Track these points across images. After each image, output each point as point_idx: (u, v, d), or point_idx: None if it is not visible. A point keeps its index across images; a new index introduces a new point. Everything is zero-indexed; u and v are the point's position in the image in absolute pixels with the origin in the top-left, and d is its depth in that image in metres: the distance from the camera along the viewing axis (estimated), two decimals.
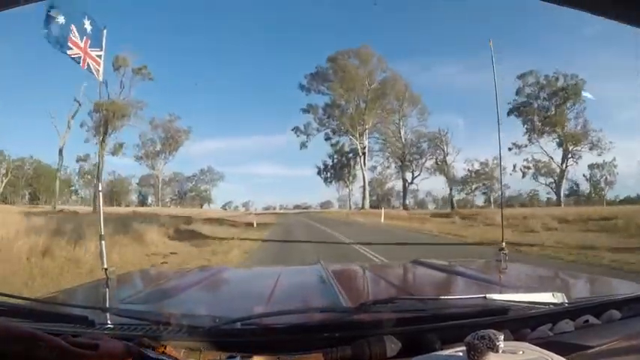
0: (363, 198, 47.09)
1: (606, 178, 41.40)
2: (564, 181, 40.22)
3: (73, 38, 3.03)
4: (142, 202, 59.45)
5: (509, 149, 40.64)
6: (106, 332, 0.74)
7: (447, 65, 68.68)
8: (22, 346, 0.53)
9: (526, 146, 39.79)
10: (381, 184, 58.38)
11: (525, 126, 39.82)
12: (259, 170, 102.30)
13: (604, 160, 38.96)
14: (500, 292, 0.91)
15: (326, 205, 73.22)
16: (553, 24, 38.93)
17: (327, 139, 52.12)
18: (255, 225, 19.86)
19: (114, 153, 35.71)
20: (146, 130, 48.31)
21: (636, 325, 0.74)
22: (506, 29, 45.73)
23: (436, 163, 47.94)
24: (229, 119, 78.88)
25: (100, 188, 3.41)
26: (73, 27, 3.03)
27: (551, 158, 39.81)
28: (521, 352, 0.55)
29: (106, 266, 1.49)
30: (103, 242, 3.03)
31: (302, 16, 63.61)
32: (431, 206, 55.05)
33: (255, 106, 75.08)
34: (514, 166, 42.62)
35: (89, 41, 3.15)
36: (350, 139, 49.62)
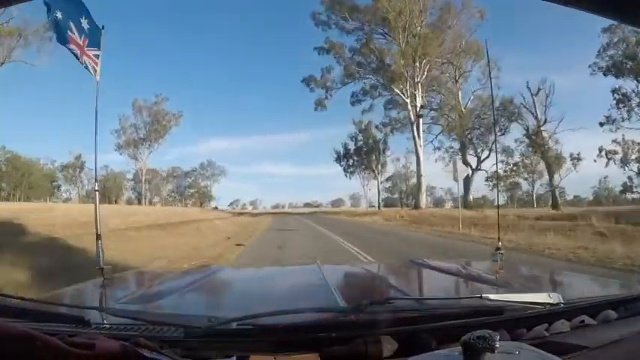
0: (419, 190, 30.43)
1: None
2: None
3: (72, 34, 3.01)
4: (139, 199, 56.62)
5: (601, 124, 29.19)
6: (102, 332, 0.73)
7: None
8: (18, 346, 0.53)
9: (623, 120, 27.95)
10: (406, 178, 46.63)
11: (615, 95, 27.74)
12: (269, 169, 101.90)
13: None
14: (497, 292, 0.91)
15: (337, 203, 67.78)
16: None
17: (356, 101, 34.23)
18: None
19: None
20: (128, 113, 40.32)
21: (632, 326, 0.74)
22: None
23: (526, 136, 30.98)
24: (239, 119, 78.59)
25: (96, 187, 3.39)
26: (70, 23, 3.00)
27: None
28: (517, 352, 0.56)
29: (102, 266, 1.48)
30: (99, 241, 3.01)
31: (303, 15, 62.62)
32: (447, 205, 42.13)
33: (261, 105, 74.76)
34: (600, 150, 31.91)
35: (87, 40, 3.13)
36: (393, 97, 31.44)
